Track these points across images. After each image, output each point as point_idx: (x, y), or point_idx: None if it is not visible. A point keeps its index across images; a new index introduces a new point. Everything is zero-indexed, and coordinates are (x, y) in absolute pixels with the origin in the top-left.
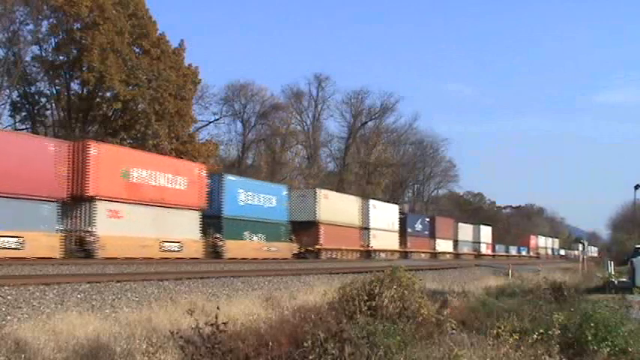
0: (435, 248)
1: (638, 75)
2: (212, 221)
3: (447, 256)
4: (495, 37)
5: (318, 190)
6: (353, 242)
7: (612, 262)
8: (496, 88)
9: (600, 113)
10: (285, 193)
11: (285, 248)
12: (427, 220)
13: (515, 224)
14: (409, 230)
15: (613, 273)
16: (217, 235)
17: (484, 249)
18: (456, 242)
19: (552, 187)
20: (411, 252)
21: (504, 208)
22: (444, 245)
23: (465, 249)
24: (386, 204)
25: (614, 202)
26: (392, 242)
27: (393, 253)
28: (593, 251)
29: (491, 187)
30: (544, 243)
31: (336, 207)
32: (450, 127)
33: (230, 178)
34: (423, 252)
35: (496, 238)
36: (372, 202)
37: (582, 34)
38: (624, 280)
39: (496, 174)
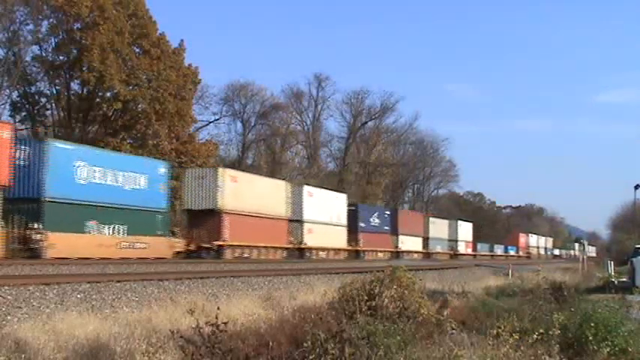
0: (397, 246)
1: (638, 75)
2: (26, 206)
3: (415, 255)
4: (495, 37)
5: (221, 170)
6: (276, 238)
7: (612, 262)
8: (496, 88)
9: (600, 113)
10: (162, 171)
11: (161, 245)
12: (387, 213)
13: (516, 224)
14: (362, 225)
15: (613, 273)
16: (33, 225)
17: (463, 248)
18: (426, 240)
19: (552, 187)
20: (365, 250)
21: (504, 208)
22: (409, 243)
23: (438, 247)
24: (328, 192)
25: (614, 202)
26: (336, 239)
27: (338, 251)
28: (591, 251)
29: (491, 187)
30: (535, 242)
31: (249, 192)
32: (450, 127)
33: (59, 146)
34: (381, 250)
35: (481, 236)
36: (307, 188)
37: (582, 34)
38: (624, 280)
39: (496, 174)
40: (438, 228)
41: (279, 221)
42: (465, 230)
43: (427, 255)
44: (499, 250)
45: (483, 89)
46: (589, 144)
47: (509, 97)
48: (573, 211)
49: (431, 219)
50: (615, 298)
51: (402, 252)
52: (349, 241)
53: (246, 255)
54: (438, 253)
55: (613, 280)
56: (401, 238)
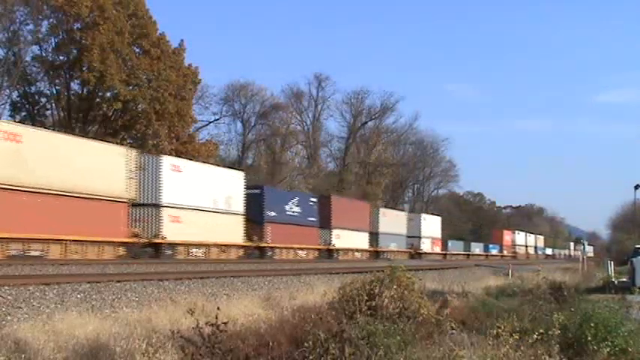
0: (329, 243)
1: (638, 75)
2: None
3: (356, 254)
4: (495, 37)
5: None
6: (102, 228)
7: (612, 262)
8: (496, 88)
9: (600, 113)
10: None
11: None
12: (312, 200)
13: (516, 224)
14: (271, 214)
15: (613, 273)
16: None
17: (428, 246)
18: (374, 235)
19: (552, 187)
20: (274, 247)
21: (504, 208)
22: (349, 239)
23: (392, 245)
24: (211, 167)
25: (614, 202)
26: (225, 231)
27: (226, 248)
28: (588, 251)
29: (491, 187)
30: (523, 240)
31: (45, 157)
32: (450, 127)
33: None
34: (303, 248)
35: (455, 233)
36: (169, 159)
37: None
38: (624, 280)
39: (496, 174)
40: (392, 221)
41: (111, 204)
42: (431, 225)
43: (375, 254)
44: (477, 248)
45: (483, 89)
46: (589, 144)
47: (509, 97)
48: (573, 211)
49: (381, 210)
50: (615, 298)
51: (338, 250)
52: (249, 235)
53: (34, 253)
54: (392, 251)
55: (613, 280)
56: (336, 232)
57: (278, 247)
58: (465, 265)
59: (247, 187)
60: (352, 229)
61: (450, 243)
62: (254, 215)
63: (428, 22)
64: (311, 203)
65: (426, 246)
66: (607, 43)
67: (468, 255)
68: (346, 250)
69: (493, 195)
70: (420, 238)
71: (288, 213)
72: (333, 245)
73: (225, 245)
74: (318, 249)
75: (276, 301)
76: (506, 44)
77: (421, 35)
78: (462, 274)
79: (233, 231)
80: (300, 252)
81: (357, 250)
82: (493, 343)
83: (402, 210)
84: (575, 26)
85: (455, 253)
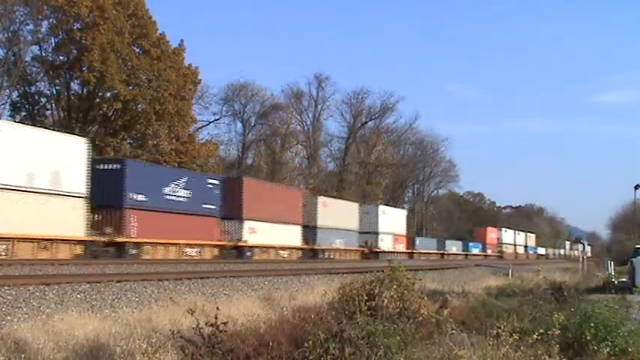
0: (239, 238)
1: (638, 75)
2: None
3: (282, 253)
4: (496, 37)
5: None
6: None
7: (612, 262)
8: (496, 88)
9: (600, 113)
10: None
11: None
12: (211, 183)
13: (516, 224)
14: (135, 198)
15: (613, 273)
16: None
17: (388, 243)
18: (312, 230)
19: (552, 187)
20: (143, 243)
21: (504, 208)
22: (270, 234)
23: (337, 242)
24: (23, 128)
25: (614, 202)
26: (49, 220)
27: (50, 243)
28: (587, 251)
29: (491, 187)
30: (511, 239)
31: None
32: (450, 127)
33: None
34: (193, 244)
35: (430, 229)
36: None
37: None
38: (624, 280)
39: (496, 174)
40: (338, 214)
41: None
42: (393, 220)
43: (312, 252)
44: (454, 247)
45: (483, 89)
46: (589, 144)
47: (510, 97)
48: (573, 211)
49: (321, 199)
50: (615, 298)
51: (252, 247)
52: (98, 226)
53: None
54: (336, 249)
55: (613, 280)
56: (250, 225)
57: (148, 243)
58: (465, 265)
59: (102, 161)
60: (276, 222)
61: (417, 241)
62: (110, 199)
63: (428, 22)
64: (209, 186)
65: (385, 244)
66: (607, 43)
67: (442, 254)
68: (265, 248)
69: (493, 195)
70: (377, 234)
71: (168, 197)
72: (245, 242)
73: (47, 240)
74: (219, 246)
75: (276, 301)
76: (506, 44)
77: (421, 35)
78: (462, 274)
79: (64, 220)
80: (188, 249)
81: (283, 248)
82: (493, 343)
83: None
84: (575, 26)
85: (424, 252)
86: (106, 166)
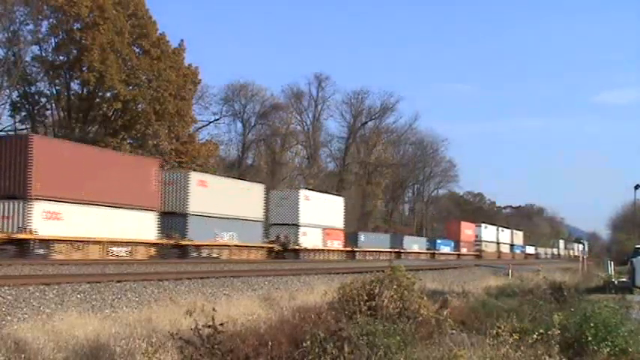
0: (22, 228)
1: (638, 75)
2: None
3: (117, 250)
4: (496, 37)
5: None
6: None
7: (612, 262)
8: (496, 88)
9: (600, 113)
10: None
11: None
12: None
13: (515, 224)
14: None
15: (613, 273)
16: None
17: (316, 238)
18: (179, 218)
19: (552, 187)
20: None
21: (504, 208)
22: (96, 222)
23: (226, 235)
24: None
25: (614, 202)
26: None
27: None
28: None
29: (492, 187)
30: (493, 236)
31: None
32: (450, 127)
33: None
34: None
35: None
36: None
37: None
38: (624, 280)
39: (496, 174)
40: (227, 197)
41: None
42: (324, 209)
43: (179, 249)
44: (415, 245)
45: (483, 89)
46: (589, 144)
47: (509, 97)
48: (573, 211)
49: (194, 175)
50: (615, 298)
51: (48, 241)
52: None
53: None
54: (222, 246)
55: (613, 280)
56: (46, 209)
57: None
58: (465, 265)
59: None
60: (109, 205)
61: (362, 236)
62: None
63: (428, 22)
64: None
65: (310, 239)
66: (607, 43)
67: (399, 253)
68: (77, 242)
69: (493, 195)
70: (297, 226)
71: None
72: (33, 232)
73: None
74: (157, 244)
75: (276, 301)
76: (506, 44)
77: (421, 35)
78: (462, 274)
79: None
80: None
81: (121, 243)
82: (493, 343)
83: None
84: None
85: (372, 250)
86: None
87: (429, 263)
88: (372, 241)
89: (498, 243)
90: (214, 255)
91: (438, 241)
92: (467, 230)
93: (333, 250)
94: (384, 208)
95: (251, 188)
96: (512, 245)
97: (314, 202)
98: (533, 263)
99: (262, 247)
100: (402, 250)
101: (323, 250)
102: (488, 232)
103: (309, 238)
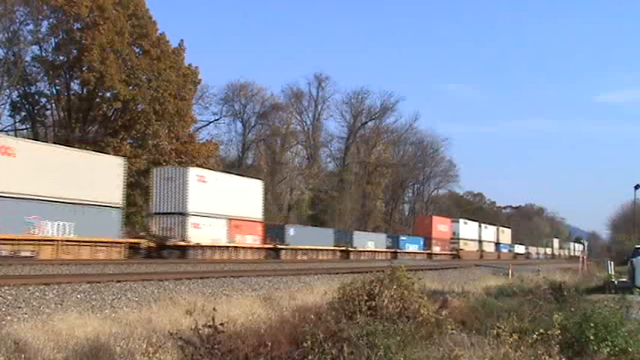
0: None
1: (638, 75)
2: None
3: None
4: (496, 37)
5: None
6: None
7: (612, 262)
8: (496, 89)
9: (600, 113)
10: None
11: None
12: None
13: (516, 224)
14: None
15: (613, 273)
16: None
17: (216, 232)
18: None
19: (552, 187)
20: None
21: (504, 208)
22: None
23: (45, 225)
24: None
25: (614, 202)
26: None
27: None
28: (578, 249)
29: (492, 187)
30: (473, 233)
31: None
32: (451, 127)
33: None
34: None
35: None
36: None
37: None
38: (624, 280)
39: (496, 174)
40: (47, 173)
41: None
42: (232, 194)
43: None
44: (371, 242)
45: (483, 89)
46: (589, 144)
47: (509, 97)
48: (573, 211)
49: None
50: (615, 298)
51: None
52: None
53: None
54: (44, 240)
55: (613, 280)
56: None
57: None
58: (466, 265)
59: None
60: None
61: (292, 230)
62: None
63: (428, 22)
64: None
65: (207, 232)
66: (607, 43)
67: (347, 252)
68: None
69: (493, 195)
70: (184, 215)
71: None
72: None
73: None
74: None
75: (276, 301)
76: (506, 44)
77: (421, 35)
78: (462, 274)
79: None
80: None
81: None
82: (493, 343)
83: None
84: (575, 26)
85: (305, 248)
86: None
87: (430, 263)
88: (306, 237)
89: (480, 241)
90: (25, 254)
91: (403, 237)
92: (440, 226)
93: (246, 248)
94: (384, 208)
95: (95, 161)
96: (497, 244)
97: (213, 184)
98: (527, 264)
99: (118, 242)
100: (352, 249)
101: (228, 247)
102: (468, 228)
103: (204, 232)
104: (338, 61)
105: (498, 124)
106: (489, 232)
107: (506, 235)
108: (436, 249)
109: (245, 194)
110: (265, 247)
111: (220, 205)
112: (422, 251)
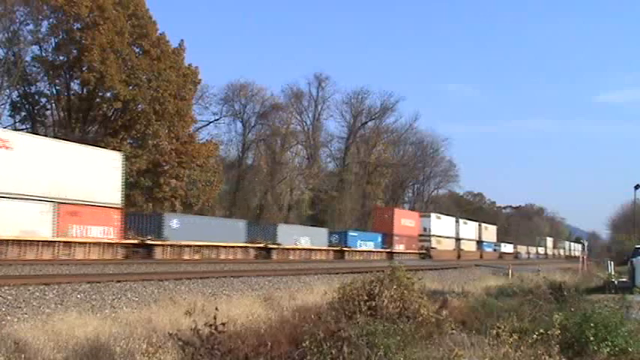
0: None
1: (638, 75)
2: None
3: None
4: (496, 37)
5: None
6: None
7: (612, 262)
8: (497, 89)
9: (600, 113)
10: None
11: None
12: None
13: (516, 224)
14: None
15: (613, 273)
16: None
17: (29, 222)
18: None
19: (552, 187)
20: None
21: (504, 208)
22: None
23: None
24: None
25: (614, 202)
26: None
27: None
28: (575, 249)
29: (491, 187)
30: (450, 230)
31: None
32: (451, 127)
33: None
34: None
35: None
36: None
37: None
38: (624, 280)
39: (496, 174)
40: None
41: None
42: (68, 169)
43: None
44: (306, 238)
45: (483, 89)
46: (589, 144)
47: (509, 97)
48: (573, 211)
49: None
50: (615, 298)
51: None
52: None
53: None
54: None
55: (613, 280)
56: None
57: None
58: (466, 265)
59: None
60: None
61: (174, 222)
62: None
63: (428, 22)
64: None
65: (13, 222)
66: (607, 43)
67: (267, 249)
68: None
69: (493, 195)
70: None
71: None
72: None
73: None
74: None
75: (276, 301)
76: (506, 44)
77: (421, 35)
78: (462, 274)
79: None
80: None
81: None
82: (493, 343)
83: None
84: (575, 26)
85: (208, 244)
86: None
87: (431, 263)
88: (229, 233)
89: (459, 239)
90: None
91: (353, 234)
92: (405, 220)
93: (89, 243)
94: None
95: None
96: (479, 242)
97: (25, 153)
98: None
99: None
100: (275, 246)
101: (54, 242)
102: (442, 224)
103: (6, 220)
104: (338, 61)
105: (498, 124)
106: (469, 229)
107: (490, 232)
108: (399, 247)
109: (90, 170)
110: (126, 242)
111: (40, 182)
112: (379, 250)
